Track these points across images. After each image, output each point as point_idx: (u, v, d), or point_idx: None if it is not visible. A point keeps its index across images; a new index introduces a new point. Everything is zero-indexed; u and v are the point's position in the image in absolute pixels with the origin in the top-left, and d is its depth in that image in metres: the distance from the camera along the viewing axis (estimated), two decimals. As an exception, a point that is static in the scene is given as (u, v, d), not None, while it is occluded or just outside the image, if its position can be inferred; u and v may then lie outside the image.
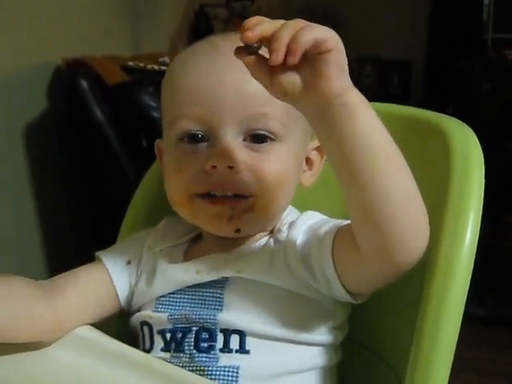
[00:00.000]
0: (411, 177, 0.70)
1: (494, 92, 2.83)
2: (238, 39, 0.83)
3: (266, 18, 0.65)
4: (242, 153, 0.80)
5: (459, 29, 3.23)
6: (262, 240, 0.87)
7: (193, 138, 0.82)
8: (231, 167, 0.79)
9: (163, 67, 2.46)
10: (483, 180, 0.81)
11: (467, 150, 0.83)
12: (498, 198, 0.73)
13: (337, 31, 0.63)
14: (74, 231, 2.57)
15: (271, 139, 0.82)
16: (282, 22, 0.64)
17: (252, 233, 0.87)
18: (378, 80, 3.65)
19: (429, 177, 0.88)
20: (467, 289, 0.75)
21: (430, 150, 0.89)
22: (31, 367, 0.78)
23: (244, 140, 0.81)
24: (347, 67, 0.66)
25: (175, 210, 0.88)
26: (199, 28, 3.17)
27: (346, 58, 0.65)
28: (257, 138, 0.81)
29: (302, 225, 0.84)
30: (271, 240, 0.86)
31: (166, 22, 3.16)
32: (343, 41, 0.64)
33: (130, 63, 2.46)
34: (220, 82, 0.80)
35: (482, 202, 0.79)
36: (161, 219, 0.97)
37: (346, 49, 0.64)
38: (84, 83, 2.25)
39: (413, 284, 0.83)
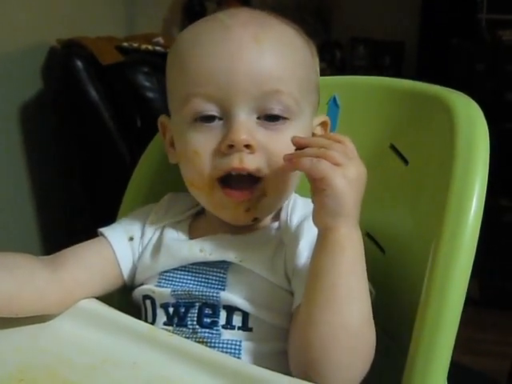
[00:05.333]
0: (364, 326, 0.72)
1: (488, 73, 2.83)
2: (246, 16, 0.84)
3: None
4: (257, 132, 0.81)
5: (453, 9, 3.22)
6: (266, 229, 0.89)
7: (207, 119, 0.82)
8: (247, 146, 0.80)
9: (157, 47, 2.47)
10: (488, 153, 0.80)
11: (472, 124, 0.83)
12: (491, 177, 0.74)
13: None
14: (70, 211, 2.56)
15: (284, 117, 0.82)
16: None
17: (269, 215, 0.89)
18: (370, 61, 3.65)
19: (433, 150, 0.89)
20: (472, 262, 0.75)
21: (434, 123, 0.89)
22: (39, 339, 0.78)
23: (258, 118, 0.82)
24: (339, 211, 0.72)
25: (191, 193, 0.89)
26: (192, 9, 3.16)
27: (337, 205, 0.72)
28: (270, 117, 0.82)
29: (307, 233, 0.83)
30: (276, 235, 0.87)
31: (159, 2, 3.14)
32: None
33: (125, 44, 2.44)
34: (233, 61, 0.79)
35: (486, 176, 0.79)
36: (162, 194, 0.98)
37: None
38: (79, 64, 2.23)
39: (418, 257, 0.84)
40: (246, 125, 0.80)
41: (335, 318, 0.71)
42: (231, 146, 0.80)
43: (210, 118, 0.82)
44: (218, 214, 0.87)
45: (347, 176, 0.72)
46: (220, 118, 0.82)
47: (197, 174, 0.84)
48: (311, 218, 0.80)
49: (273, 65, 0.81)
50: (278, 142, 0.81)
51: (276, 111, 0.81)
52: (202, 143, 0.82)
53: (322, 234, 0.74)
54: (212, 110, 0.81)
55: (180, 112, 0.84)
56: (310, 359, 0.71)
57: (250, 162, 0.80)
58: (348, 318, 0.71)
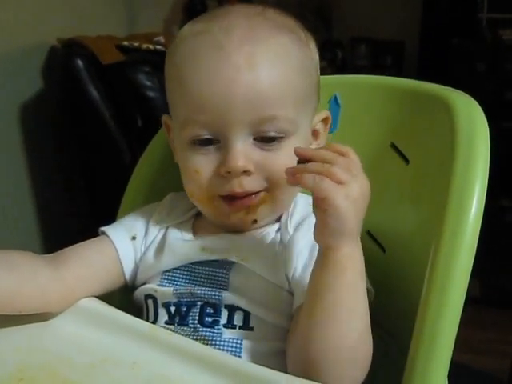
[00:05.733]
0: (359, 342, 0.73)
1: (488, 72, 2.83)
2: (241, 31, 0.82)
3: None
4: (254, 154, 0.82)
5: (453, 9, 3.21)
6: (268, 229, 0.89)
7: (204, 143, 0.83)
8: (245, 171, 0.81)
9: (158, 47, 2.47)
10: (488, 152, 0.80)
11: (472, 123, 0.83)
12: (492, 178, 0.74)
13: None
14: (70, 211, 2.57)
15: (280, 137, 0.83)
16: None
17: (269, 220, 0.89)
18: (371, 60, 3.65)
19: (434, 149, 0.88)
20: (472, 262, 0.75)
21: (435, 122, 0.89)
22: (39, 338, 0.78)
23: (254, 139, 0.82)
24: (341, 231, 0.71)
25: (193, 203, 0.90)
26: (193, 8, 3.15)
27: (339, 225, 0.70)
28: (266, 138, 0.83)
29: (306, 234, 0.84)
30: (277, 236, 0.87)
31: (160, 1, 3.14)
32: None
33: (125, 43, 2.44)
34: (229, 87, 0.79)
35: (487, 175, 0.79)
36: (162, 193, 0.98)
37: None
38: (79, 63, 2.23)
39: (418, 256, 0.83)
40: (242, 151, 0.81)
41: (335, 334, 0.71)
42: (229, 172, 0.81)
43: (207, 142, 0.83)
44: (219, 220, 0.88)
45: (350, 195, 0.70)
46: (217, 141, 0.83)
47: (197, 189, 0.86)
48: (311, 217, 0.80)
49: (269, 90, 0.80)
50: (276, 161, 0.82)
51: (272, 134, 0.82)
52: (203, 164, 0.84)
53: (323, 252, 0.73)
54: (209, 134, 0.82)
55: (179, 132, 0.86)
56: (310, 370, 0.72)
57: (250, 184, 0.83)
58: (347, 333, 0.72)
